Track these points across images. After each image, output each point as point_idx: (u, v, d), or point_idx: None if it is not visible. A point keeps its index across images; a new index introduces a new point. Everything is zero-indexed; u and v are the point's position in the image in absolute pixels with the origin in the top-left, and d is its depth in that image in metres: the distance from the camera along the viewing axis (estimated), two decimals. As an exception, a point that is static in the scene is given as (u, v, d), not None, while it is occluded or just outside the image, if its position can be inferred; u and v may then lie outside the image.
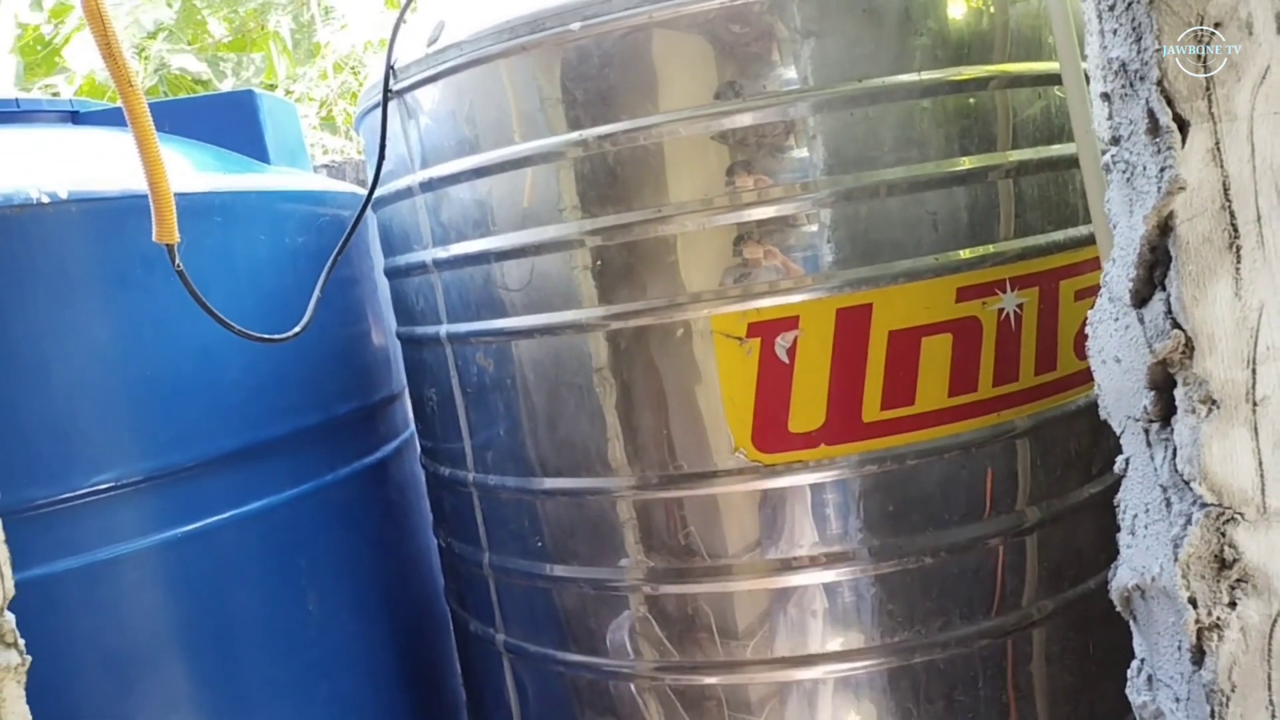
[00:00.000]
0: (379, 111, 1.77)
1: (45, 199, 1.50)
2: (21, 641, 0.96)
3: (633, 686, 1.64)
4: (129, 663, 1.55)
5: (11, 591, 0.95)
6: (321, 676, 1.77)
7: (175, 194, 1.38)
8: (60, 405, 1.50)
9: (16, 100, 2.06)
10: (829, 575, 1.53)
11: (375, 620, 1.93)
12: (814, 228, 1.46)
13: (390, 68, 1.72)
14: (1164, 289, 0.85)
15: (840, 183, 1.45)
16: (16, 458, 1.47)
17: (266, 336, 1.57)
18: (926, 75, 1.46)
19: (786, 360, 1.47)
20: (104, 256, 1.58)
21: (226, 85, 5.58)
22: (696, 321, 1.48)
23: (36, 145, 1.87)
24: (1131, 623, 0.96)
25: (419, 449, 2.08)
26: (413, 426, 2.16)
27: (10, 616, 0.95)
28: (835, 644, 1.55)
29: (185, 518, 1.61)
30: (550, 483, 1.64)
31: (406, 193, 1.78)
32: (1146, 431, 0.89)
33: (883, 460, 1.50)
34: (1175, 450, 0.85)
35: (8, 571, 0.95)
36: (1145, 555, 0.90)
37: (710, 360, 1.49)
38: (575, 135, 1.51)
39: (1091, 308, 0.97)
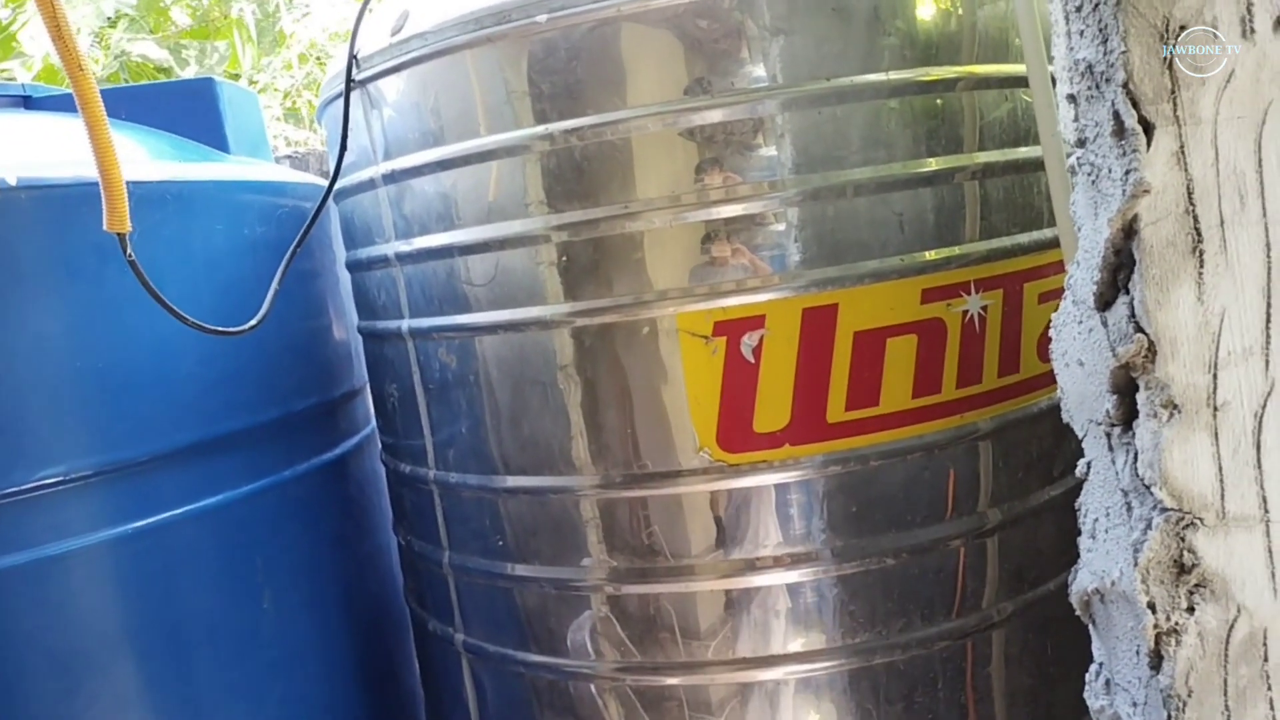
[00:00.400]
0: (341, 101, 1.73)
1: (-9, 185, 1.46)
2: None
3: (593, 687, 1.63)
4: (76, 662, 1.50)
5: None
6: (276, 677, 1.73)
7: (129, 182, 1.35)
8: (7, 398, 1.46)
9: (-39, 84, 2.00)
10: (792, 576, 1.52)
11: (332, 619, 1.90)
12: (781, 227, 1.45)
13: (353, 57, 1.69)
14: (1128, 292, 0.85)
15: (808, 182, 1.44)
16: (-40, 451, 1.42)
17: (221, 329, 1.53)
18: (894, 75, 1.46)
19: (752, 360, 1.46)
20: (55, 245, 1.54)
21: (189, 73, 5.48)
22: (662, 320, 1.47)
23: (-15, 129, 1.81)
24: (1091, 627, 0.96)
25: (379, 445, 2.05)
26: (374, 423, 2.13)
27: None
28: (797, 645, 1.55)
29: (137, 513, 1.57)
30: (513, 481, 1.62)
31: (369, 184, 1.75)
32: (1108, 435, 0.89)
33: (846, 461, 1.49)
34: (1136, 454, 0.85)
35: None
36: (1105, 559, 0.90)
37: (676, 359, 1.48)
38: (541, 129, 1.49)
39: (1055, 311, 0.97)
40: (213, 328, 1.52)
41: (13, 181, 1.47)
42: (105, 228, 1.34)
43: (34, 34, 5.40)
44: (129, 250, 1.37)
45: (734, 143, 1.45)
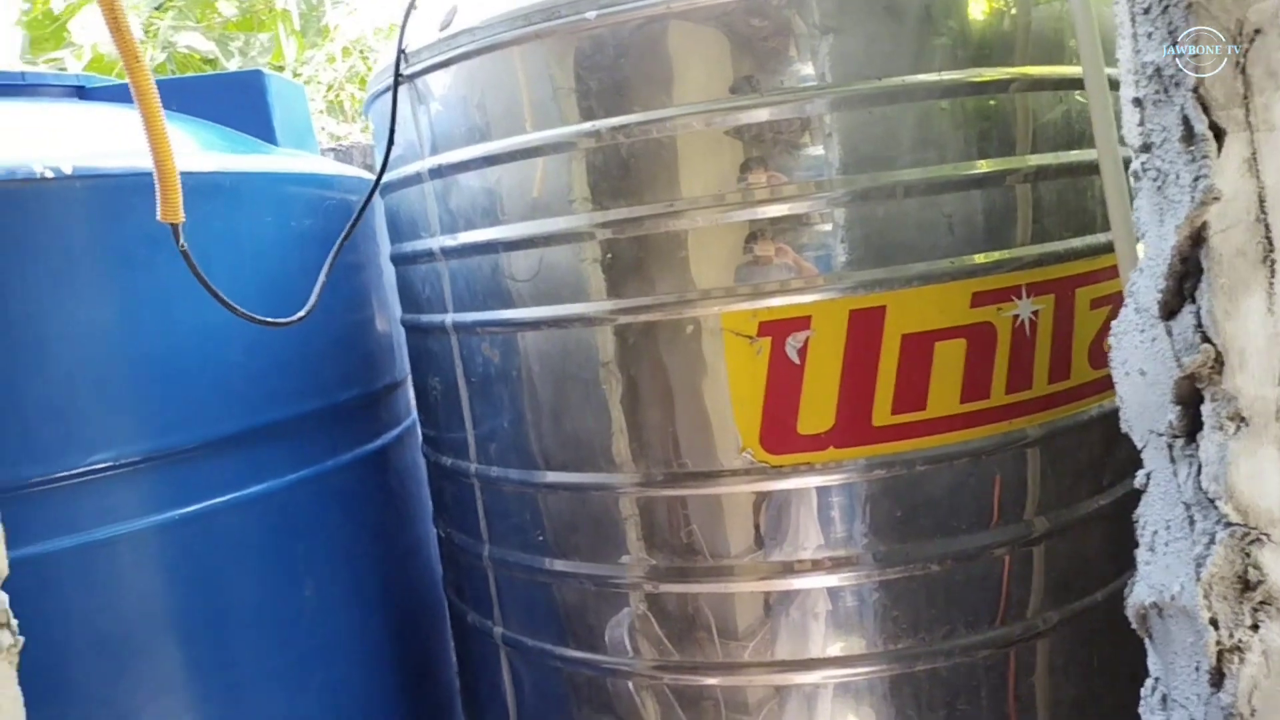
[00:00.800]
0: (389, 95, 1.74)
1: (49, 174, 1.48)
2: (15, 621, 0.94)
3: (630, 684, 1.63)
4: (122, 645, 1.53)
5: (5, 570, 0.93)
6: (317, 664, 1.75)
7: (181, 173, 1.36)
8: (59, 383, 1.48)
9: (22, 74, 2.03)
10: (832, 580, 1.51)
11: (372, 609, 1.91)
12: (828, 227, 1.44)
13: (401, 51, 1.70)
14: (1194, 301, 0.83)
15: (856, 182, 1.43)
16: (13, 436, 1.45)
17: (270, 320, 1.55)
18: (946, 76, 1.44)
19: (797, 361, 1.45)
20: (107, 234, 1.56)
21: (234, 65, 5.55)
22: (706, 319, 1.46)
23: (41, 119, 1.84)
24: (1147, 641, 0.94)
25: (420, 437, 2.06)
26: (415, 414, 2.14)
27: (3, 596, 0.93)
28: (836, 649, 1.54)
29: (183, 500, 1.59)
30: (553, 476, 1.62)
31: (415, 179, 1.76)
32: (1170, 447, 0.87)
33: (891, 465, 1.48)
34: (1200, 467, 0.83)
35: (2, 550, 0.93)
36: (1165, 573, 0.88)
37: (719, 358, 1.47)
38: (587, 126, 1.49)
39: (1107, 316, 0.95)
40: (261, 318, 1.53)
41: (68, 170, 1.49)
42: (159, 218, 1.36)
43: (84, 23, 5.49)
44: (181, 240, 1.38)
45: (781, 142, 1.44)
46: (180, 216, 1.35)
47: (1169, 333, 0.85)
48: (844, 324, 1.43)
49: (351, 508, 1.89)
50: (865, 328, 1.43)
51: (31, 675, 0.96)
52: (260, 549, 1.69)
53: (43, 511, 1.47)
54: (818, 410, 1.46)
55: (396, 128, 1.76)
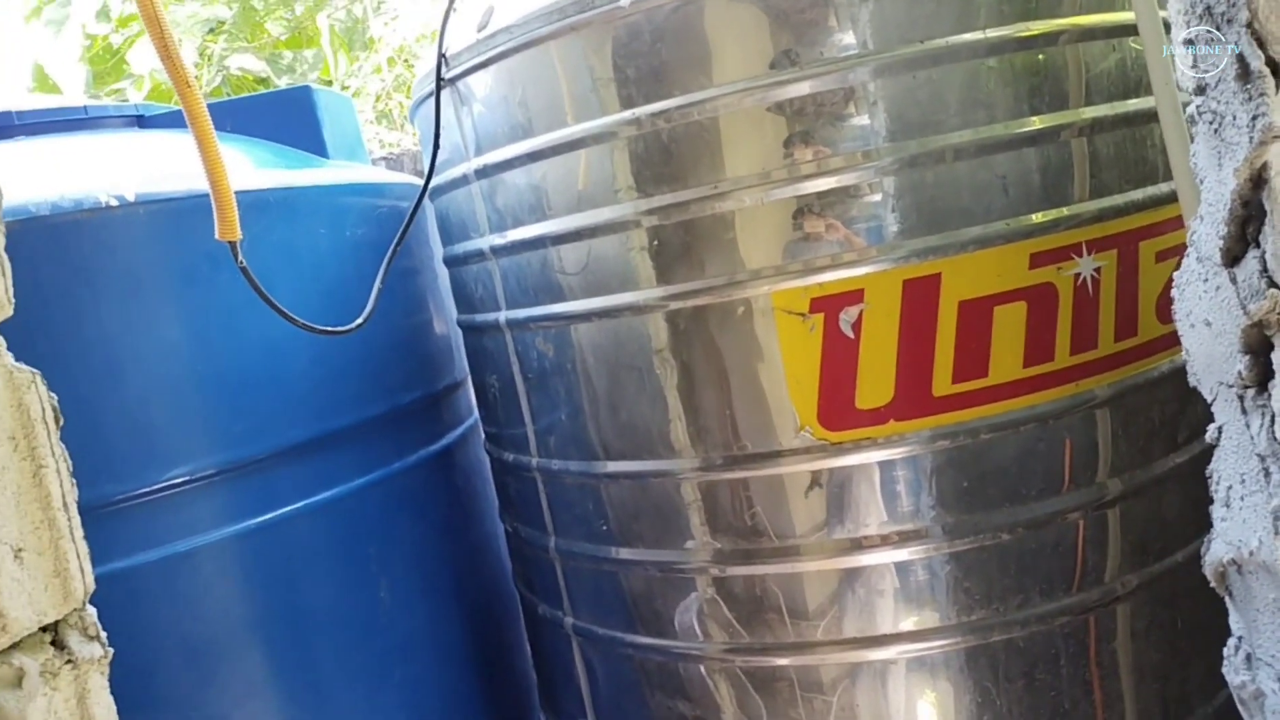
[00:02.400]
0: (432, 100, 1.76)
1: (113, 202, 1.53)
2: (104, 634, 0.97)
3: (702, 668, 1.63)
4: (208, 651, 1.58)
5: (91, 586, 0.97)
6: (395, 661, 1.79)
7: (236, 191, 1.40)
8: (134, 402, 1.53)
9: (85, 107, 2.11)
10: (901, 554, 1.49)
11: (446, 605, 1.95)
12: (877, 197, 1.42)
13: (442, 55, 1.72)
14: (1258, 246, 0.80)
15: (904, 149, 1.40)
16: (95, 455, 1.50)
17: (330, 329, 1.58)
18: (992, 33, 1.40)
19: (851, 335, 1.43)
20: (171, 255, 1.61)
21: (284, 82, 5.67)
22: (757, 299, 1.45)
23: (104, 150, 1.91)
24: (1227, 599, 0.91)
25: (482, 435, 2.09)
26: (475, 414, 2.17)
27: (91, 610, 0.97)
28: (909, 623, 1.52)
29: (258, 509, 1.64)
30: (613, 466, 1.63)
31: (462, 180, 1.78)
32: (1241, 398, 0.84)
33: (955, 435, 1.45)
34: (1273, 417, 0.80)
35: (87, 566, 0.96)
36: (1242, 528, 0.85)
37: (772, 338, 1.46)
38: (628, 114, 1.49)
39: (1175, 269, 0.92)
40: (321, 328, 1.56)
41: (131, 197, 1.54)
42: (217, 237, 1.39)
43: (141, 54, 5.66)
44: (240, 257, 1.42)
45: (825, 114, 1.42)
46: (238, 234, 1.38)
47: (1233, 280, 0.82)
48: (898, 295, 1.41)
49: (420, 508, 1.93)
50: (920, 297, 1.41)
51: (123, 685, 0.99)
52: (334, 552, 1.73)
53: (126, 527, 1.53)
54: (875, 384, 1.44)
55: (441, 131, 1.78)
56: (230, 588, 1.61)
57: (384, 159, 3.85)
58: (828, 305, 1.42)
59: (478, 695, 2.00)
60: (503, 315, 1.75)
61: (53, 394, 0.94)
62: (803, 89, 1.41)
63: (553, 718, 2.03)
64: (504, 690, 2.10)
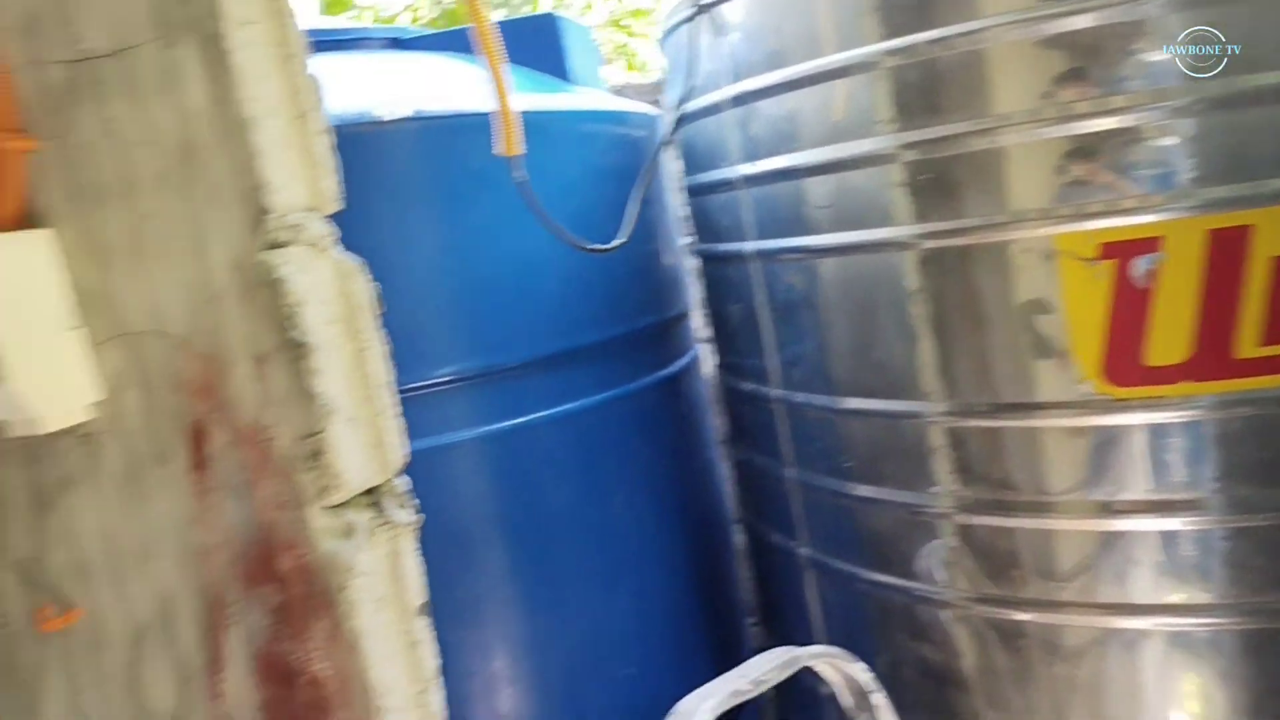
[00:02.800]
0: (685, 28, 1.78)
1: (389, 117, 1.63)
2: (415, 501, 1.08)
3: (941, 614, 1.62)
4: (465, 539, 1.70)
5: (404, 458, 1.07)
6: (627, 570, 1.87)
7: (491, 113, 1.45)
8: (410, 306, 1.64)
9: (346, 29, 2.25)
10: (1173, 523, 1.41)
11: (672, 525, 2.01)
12: (1173, 140, 1.33)
13: (701, -19, 1.73)
14: None
15: (1205, 89, 1.30)
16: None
17: (594, 246, 1.64)
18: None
19: (1145, 285, 1.35)
20: (438, 171, 1.69)
21: (500, 15, 5.82)
22: (1032, 241, 1.39)
23: (369, 69, 2.02)
24: None
25: (716, 364, 2.12)
26: (697, 347, 2.21)
27: (405, 479, 1.07)
28: (1175, 596, 1.44)
29: (508, 413, 1.74)
30: (859, 403, 1.63)
31: (713, 109, 1.79)
32: None
33: (1257, 401, 1.35)
34: None
35: (402, 440, 1.06)
36: None
37: (1050, 283, 1.40)
38: (891, 44, 1.45)
39: None
40: (588, 245, 1.62)
41: (405, 113, 1.64)
42: (497, 152, 1.47)
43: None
44: (520, 172, 1.49)
45: (1111, 49, 1.34)
46: (520, 149, 1.45)
47: None
48: (1201, 246, 1.32)
49: (650, 429, 1.99)
50: (1227, 250, 1.31)
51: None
52: (574, 461, 1.82)
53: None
54: (1169, 340, 1.35)
55: (693, 59, 1.79)
56: (481, 483, 1.73)
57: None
58: (1120, 252, 1.35)
59: (697, 611, 2.07)
60: (750, 245, 1.77)
61: (377, 283, 1.04)
62: (1084, 21, 1.33)
63: (776, 642, 2.06)
64: (719, 611, 2.16)
